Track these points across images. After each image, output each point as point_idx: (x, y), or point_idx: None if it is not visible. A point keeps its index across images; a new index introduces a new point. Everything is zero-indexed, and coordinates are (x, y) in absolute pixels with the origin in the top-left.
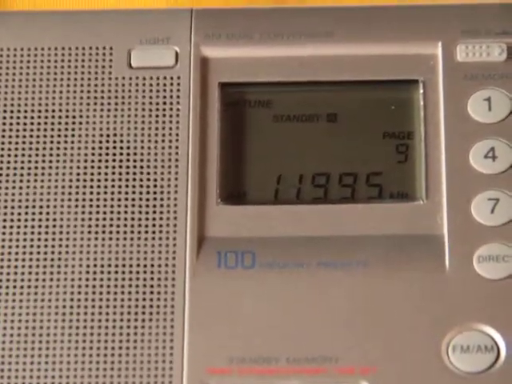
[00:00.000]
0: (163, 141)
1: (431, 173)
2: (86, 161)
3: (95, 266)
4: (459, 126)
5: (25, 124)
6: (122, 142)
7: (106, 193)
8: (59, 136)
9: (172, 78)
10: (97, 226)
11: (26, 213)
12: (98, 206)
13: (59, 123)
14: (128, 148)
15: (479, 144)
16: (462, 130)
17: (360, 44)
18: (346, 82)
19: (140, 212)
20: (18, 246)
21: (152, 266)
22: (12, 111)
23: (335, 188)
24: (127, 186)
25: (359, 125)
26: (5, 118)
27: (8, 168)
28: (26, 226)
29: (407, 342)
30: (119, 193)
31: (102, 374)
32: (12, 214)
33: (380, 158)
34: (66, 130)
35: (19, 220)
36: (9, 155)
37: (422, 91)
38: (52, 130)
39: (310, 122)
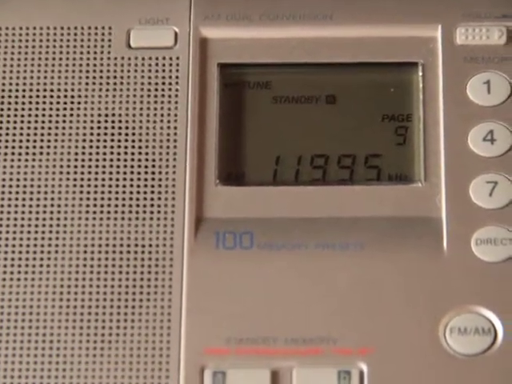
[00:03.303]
0: (162, 121)
1: (430, 155)
2: (84, 140)
3: (92, 245)
4: (458, 109)
5: (23, 103)
6: (120, 121)
7: (104, 172)
8: (57, 115)
9: (171, 59)
10: (94, 205)
11: (24, 192)
12: (95, 186)
13: (57, 102)
14: (126, 128)
15: (478, 127)
16: (461, 113)
17: (360, 26)
18: (346, 63)
19: (138, 192)
20: (15, 225)
21: (150, 245)
22: (10, 90)
23: (334, 170)
24: (125, 166)
25: (358, 107)
26: (3, 96)
27: (6, 147)
28: (23, 205)
29: (405, 323)
30: (117, 173)
31: (100, 353)
32: (10, 192)
33: (379, 140)
34: (65, 109)
35: (16, 199)
36: (7, 134)
37: (421, 74)
38: (50, 109)
39: (308, 104)
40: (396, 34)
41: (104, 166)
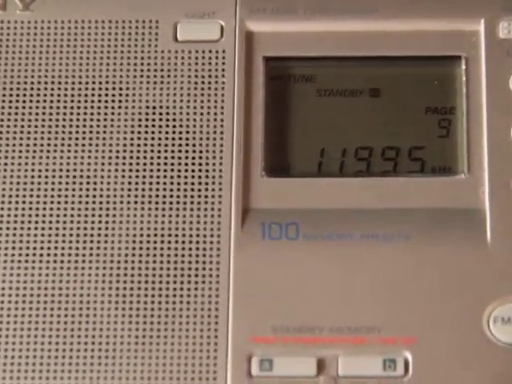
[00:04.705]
0: (208, 113)
1: (473, 147)
2: (132, 132)
3: (141, 235)
4: (501, 102)
5: (72, 96)
6: (167, 114)
7: (152, 164)
8: (106, 108)
9: (217, 52)
10: (143, 196)
11: (74, 182)
12: (144, 177)
13: (106, 95)
14: (174, 120)
15: None
16: (504, 106)
17: (404, 20)
18: (390, 57)
19: (186, 183)
20: (65, 215)
21: (198, 236)
22: (60, 82)
23: (378, 162)
24: (173, 158)
25: (402, 100)
26: (53, 89)
27: (56, 138)
28: (73, 196)
29: (448, 313)
30: (165, 164)
31: (149, 341)
32: (60, 183)
33: (422, 133)
34: (113, 101)
35: (66, 189)
36: (57, 126)
37: (464, 67)
38: (99, 101)
39: (352, 97)
40: (439, 28)
41: (152, 158)
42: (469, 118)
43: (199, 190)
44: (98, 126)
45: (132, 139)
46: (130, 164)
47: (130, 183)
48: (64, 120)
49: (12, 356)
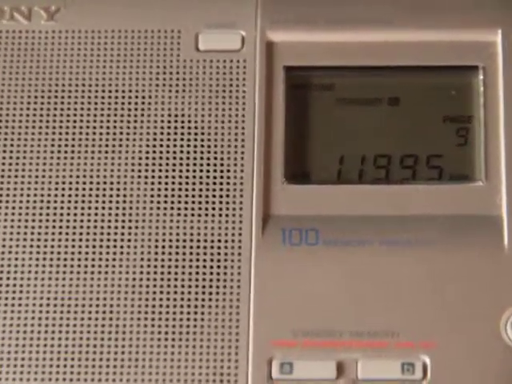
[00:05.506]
0: (229, 121)
1: (490, 155)
2: (154, 139)
3: (163, 240)
4: None
5: (95, 104)
6: (189, 122)
7: (174, 170)
8: (129, 115)
9: (238, 61)
10: (165, 202)
11: (98, 188)
12: (166, 184)
13: (129, 103)
14: (195, 128)
15: None
16: None
17: (422, 30)
18: (408, 67)
19: (207, 189)
20: (89, 220)
21: (219, 241)
22: (83, 91)
23: (396, 169)
24: (195, 165)
25: (420, 109)
26: (76, 97)
27: (79, 145)
28: (96, 201)
29: (466, 318)
30: (187, 171)
31: (171, 344)
32: (83, 189)
33: (440, 141)
34: (136, 109)
35: (90, 195)
36: (80, 133)
37: (481, 77)
38: (122, 109)
39: (371, 106)
40: (457, 39)
41: (174, 165)
42: (486, 127)
43: (221, 197)
44: (121, 133)
45: (154, 146)
46: (153, 171)
47: (152, 189)
48: (87, 127)
49: (36, 358)
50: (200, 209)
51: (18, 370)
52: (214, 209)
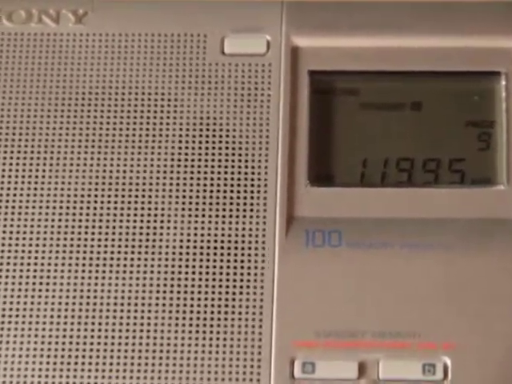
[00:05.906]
0: (254, 124)
1: None
2: (180, 141)
3: (188, 241)
4: None
5: (122, 106)
6: (215, 124)
7: (199, 172)
8: (155, 118)
9: (263, 65)
10: (190, 203)
11: (123, 189)
12: (191, 185)
13: (155, 105)
14: (221, 130)
15: None
16: None
17: (444, 36)
18: (431, 72)
19: (232, 191)
20: (115, 221)
21: (243, 242)
22: (110, 93)
23: (419, 173)
24: (220, 167)
25: (443, 113)
26: (103, 99)
27: (106, 147)
28: (122, 202)
29: (487, 320)
30: (212, 172)
31: (194, 343)
32: (109, 190)
33: (462, 146)
34: (162, 112)
35: (116, 196)
36: (107, 135)
37: (504, 83)
38: (148, 111)
39: (395, 110)
40: (479, 45)
41: (200, 166)
42: (508, 132)
43: (245, 198)
44: (148, 135)
45: (180, 148)
46: (178, 172)
47: (177, 191)
48: (115, 129)
49: (69, 356)
50: (224, 210)
51: (58, 366)
52: (238, 210)
